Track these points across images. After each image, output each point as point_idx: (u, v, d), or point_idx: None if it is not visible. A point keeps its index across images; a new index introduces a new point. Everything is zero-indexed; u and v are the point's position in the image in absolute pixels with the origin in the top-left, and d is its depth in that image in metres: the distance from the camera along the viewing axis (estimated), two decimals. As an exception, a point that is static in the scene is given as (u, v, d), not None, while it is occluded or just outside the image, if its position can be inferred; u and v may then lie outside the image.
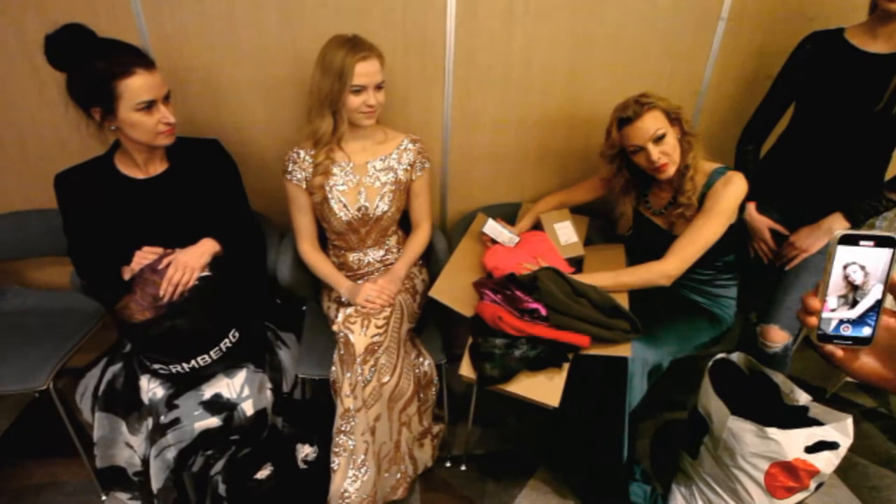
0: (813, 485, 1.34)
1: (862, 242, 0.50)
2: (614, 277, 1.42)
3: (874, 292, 0.51)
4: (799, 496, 1.37)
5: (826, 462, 1.32)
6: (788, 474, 1.33)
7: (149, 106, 1.19)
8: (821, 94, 1.44)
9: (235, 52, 1.52)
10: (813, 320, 0.53)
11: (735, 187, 1.36)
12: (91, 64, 1.14)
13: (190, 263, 1.27)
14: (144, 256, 1.29)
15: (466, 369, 1.28)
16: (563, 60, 1.67)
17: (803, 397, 1.43)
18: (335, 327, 1.36)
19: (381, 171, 1.51)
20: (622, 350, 1.26)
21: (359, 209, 1.50)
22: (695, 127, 1.38)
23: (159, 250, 1.31)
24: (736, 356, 1.54)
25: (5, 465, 1.67)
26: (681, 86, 1.78)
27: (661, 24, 1.66)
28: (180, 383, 1.29)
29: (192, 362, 1.25)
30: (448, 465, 1.73)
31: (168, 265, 1.25)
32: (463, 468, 1.72)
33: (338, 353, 1.35)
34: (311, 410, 1.54)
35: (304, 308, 1.72)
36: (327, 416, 1.50)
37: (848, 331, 0.52)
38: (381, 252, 1.61)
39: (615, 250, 1.66)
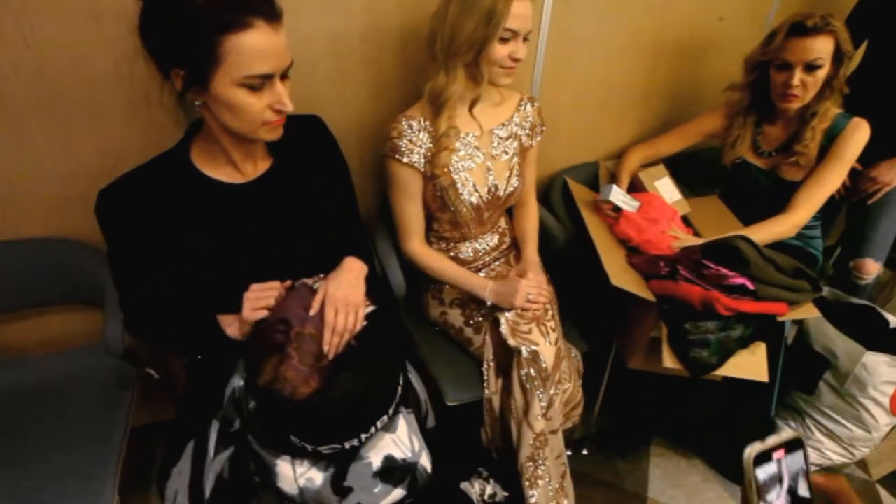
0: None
1: (775, 455, 0.48)
2: (754, 234, 1.36)
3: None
4: (910, 410, 1.51)
5: (930, 375, 1.46)
6: (907, 393, 1.46)
7: (261, 82, 0.76)
8: None
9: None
10: None
11: (864, 135, 1.34)
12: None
13: (351, 299, 0.90)
14: (259, 298, 0.88)
15: (671, 360, 1.14)
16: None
17: (893, 320, 1.56)
18: (512, 342, 1.10)
19: (507, 140, 1.23)
20: (807, 311, 1.22)
21: (488, 190, 1.21)
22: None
23: (277, 285, 0.91)
24: (827, 291, 1.62)
25: None
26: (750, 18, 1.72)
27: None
28: (341, 457, 0.95)
29: (371, 429, 0.92)
30: (569, 452, 1.61)
31: (320, 309, 0.87)
32: (585, 452, 1.61)
33: (517, 372, 1.10)
34: (446, 439, 1.28)
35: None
36: (466, 442, 1.28)
37: None
38: (496, 237, 1.35)
39: (714, 202, 1.60)
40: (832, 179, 1.37)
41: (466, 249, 1.31)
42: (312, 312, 0.86)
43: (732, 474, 1.57)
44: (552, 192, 1.58)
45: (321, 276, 0.94)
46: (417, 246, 1.24)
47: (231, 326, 0.91)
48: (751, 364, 1.16)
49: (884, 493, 1.57)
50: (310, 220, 0.97)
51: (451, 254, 1.31)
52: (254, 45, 0.73)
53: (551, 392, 1.10)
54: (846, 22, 1.55)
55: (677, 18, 1.58)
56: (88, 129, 1.05)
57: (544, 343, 1.11)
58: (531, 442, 1.10)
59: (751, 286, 1.11)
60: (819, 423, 1.58)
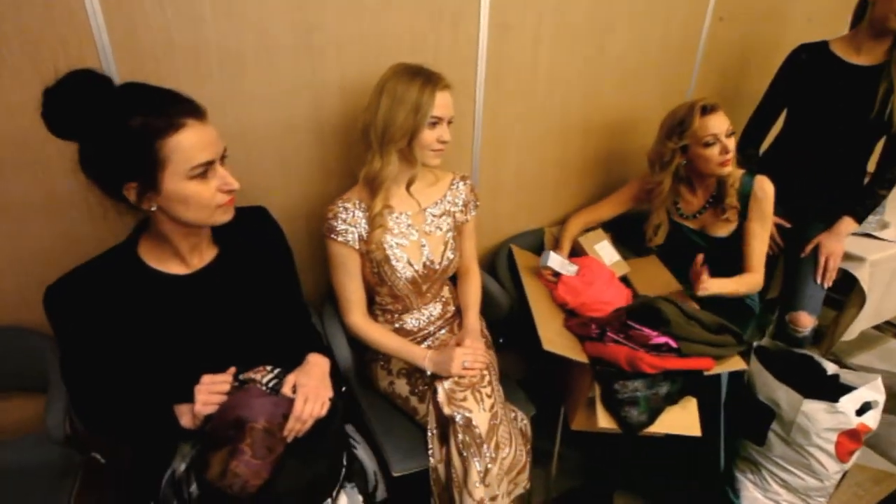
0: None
1: None
2: (734, 285, 1.48)
3: None
4: (857, 454, 1.54)
5: (873, 419, 1.50)
6: (852, 439, 1.49)
7: (205, 170, 0.86)
8: (813, 101, 1.62)
9: (241, 91, 1.20)
10: None
11: (772, 189, 1.48)
12: (120, 123, 0.79)
13: (321, 391, 0.97)
14: (212, 389, 0.92)
15: (605, 420, 1.18)
16: (578, 77, 1.67)
17: (831, 367, 1.62)
18: (446, 410, 1.15)
19: (441, 217, 1.33)
20: (735, 364, 1.28)
21: (424, 265, 1.29)
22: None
23: (227, 378, 0.95)
24: (766, 342, 1.68)
25: None
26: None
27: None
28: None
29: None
30: (531, 520, 1.59)
31: (277, 400, 0.93)
32: (547, 518, 1.60)
33: (454, 439, 1.14)
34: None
35: (343, 389, 1.43)
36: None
37: None
38: (439, 307, 1.41)
39: (652, 262, 1.69)
40: (765, 236, 1.51)
41: (411, 320, 1.37)
42: (286, 393, 0.92)
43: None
44: (498, 260, 1.67)
45: (267, 367, 0.99)
46: (358, 319, 1.30)
47: (185, 416, 0.93)
48: (682, 419, 1.20)
49: (848, 547, 1.57)
50: (255, 307, 1.03)
51: (396, 325, 1.37)
52: (191, 140, 0.83)
53: (487, 458, 1.12)
54: (770, 89, 1.73)
55: (603, 100, 1.76)
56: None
57: (478, 410, 1.15)
58: (472, 511, 1.12)
59: (674, 344, 1.18)
60: (774, 473, 1.59)
